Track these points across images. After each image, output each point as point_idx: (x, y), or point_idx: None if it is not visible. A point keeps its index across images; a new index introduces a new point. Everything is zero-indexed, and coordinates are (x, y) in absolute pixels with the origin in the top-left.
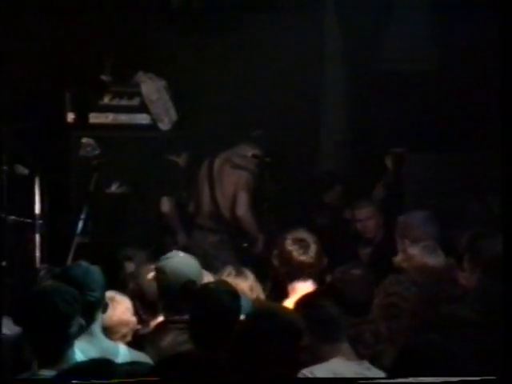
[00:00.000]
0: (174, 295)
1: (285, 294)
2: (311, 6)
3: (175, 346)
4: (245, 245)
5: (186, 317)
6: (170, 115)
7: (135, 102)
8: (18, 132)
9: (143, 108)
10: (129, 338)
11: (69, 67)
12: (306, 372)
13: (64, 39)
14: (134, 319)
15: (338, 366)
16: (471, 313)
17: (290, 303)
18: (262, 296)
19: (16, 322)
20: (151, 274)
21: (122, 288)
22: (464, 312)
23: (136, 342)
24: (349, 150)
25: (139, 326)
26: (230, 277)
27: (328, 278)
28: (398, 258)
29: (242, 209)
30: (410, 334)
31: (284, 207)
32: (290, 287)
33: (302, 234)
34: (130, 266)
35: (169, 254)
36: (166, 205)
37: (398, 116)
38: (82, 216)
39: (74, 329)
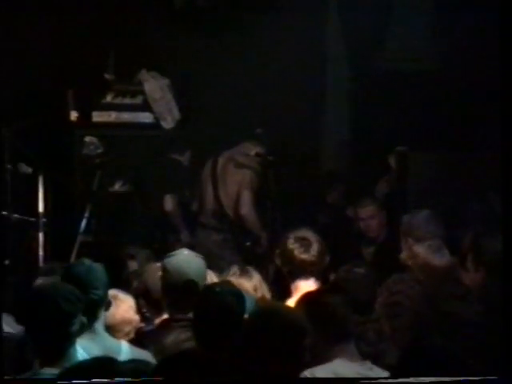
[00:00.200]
0: (177, 293)
1: (288, 293)
2: (311, 6)
3: (178, 344)
4: (248, 243)
5: (190, 315)
6: (173, 114)
7: (138, 100)
8: (20, 131)
9: (146, 106)
10: (132, 336)
11: (72, 66)
12: (307, 373)
13: (67, 37)
14: (136, 317)
15: (340, 366)
16: (473, 312)
17: (292, 302)
18: (268, 295)
19: (18, 320)
20: (159, 272)
21: (125, 286)
22: (465, 311)
23: (139, 340)
24: (351, 149)
25: (142, 324)
26: (234, 276)
27: (331, 277)
28: (403, 256)
29: (246, 207)
30: (413, 332)
31: (287, 206)
32: (292, 286)
33: (304, 232)
34: (132, 265)
35: (174, 252)
36: (169, 203)
37: (398, 115)
38: (86, 214)
39: (76, 327)
